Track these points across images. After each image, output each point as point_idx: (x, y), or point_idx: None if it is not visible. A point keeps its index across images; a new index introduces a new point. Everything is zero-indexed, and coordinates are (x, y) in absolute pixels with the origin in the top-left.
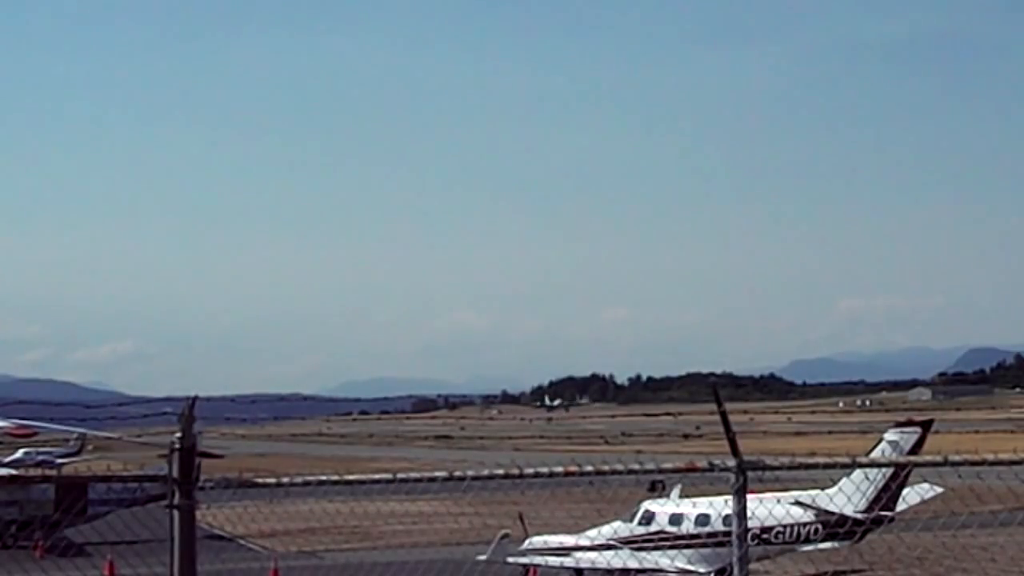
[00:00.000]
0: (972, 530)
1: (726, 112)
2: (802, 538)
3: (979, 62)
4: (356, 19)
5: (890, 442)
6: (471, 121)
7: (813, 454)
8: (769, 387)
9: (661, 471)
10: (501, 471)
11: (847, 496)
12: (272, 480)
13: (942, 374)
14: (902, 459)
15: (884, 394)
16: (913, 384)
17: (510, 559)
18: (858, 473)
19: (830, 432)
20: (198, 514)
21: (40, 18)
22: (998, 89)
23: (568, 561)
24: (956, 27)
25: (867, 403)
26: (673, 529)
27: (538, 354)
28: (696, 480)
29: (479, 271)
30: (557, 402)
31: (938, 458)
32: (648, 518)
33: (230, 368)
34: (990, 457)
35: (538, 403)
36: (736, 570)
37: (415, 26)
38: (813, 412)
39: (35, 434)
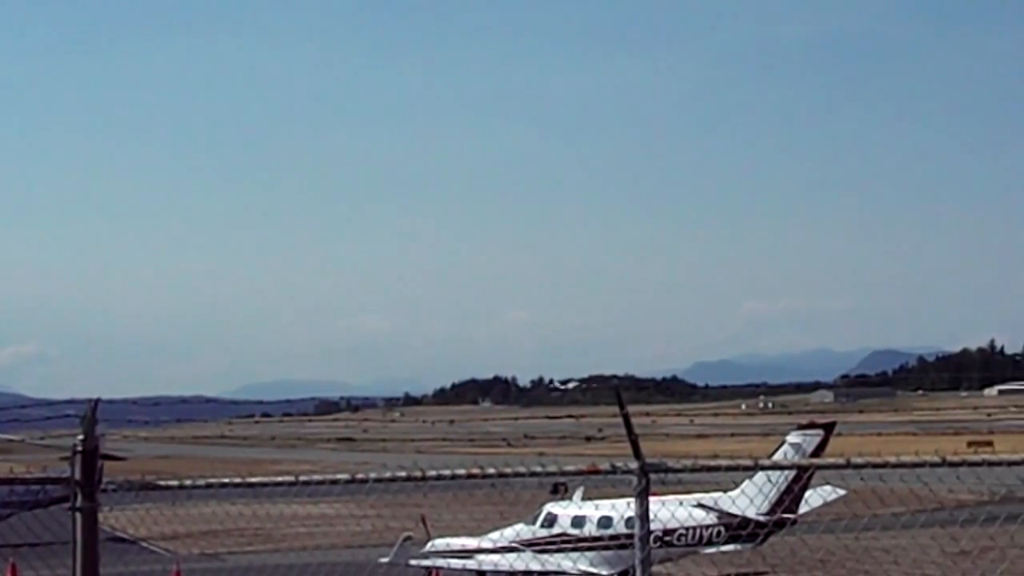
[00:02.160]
0: (874, 532)
1: (627, 115)
2: (704, 540)
3: (884, 63)
4: (241, 22)
5: (792, 444)
6: (372, 122)
7: (715, 456)
8: (671, 389)
9: (563, 473)
10: (403, 474)
11: (749, 498)
12: (175, 482)
13: (844, 376)
14: (804, 461)
15: (786, 396)
16: (815, 386)
17: (412, 561)
18: (760, 475)
19: (732, 434)
20: (100, 516)
21: None
22: (902, 90)
23: (471, 563)
24: (859, 29)
25: (769, 405)
26: (575, 531)
27: (441, 356)
28: (598, 482)
29: (381, 273)
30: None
31: (840, 460)
32: (550, 520)
33: (132, 371)
34: (892, 460)
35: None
36: (638, 572)
37: (302, 28)
38: (715, 414)
39: None
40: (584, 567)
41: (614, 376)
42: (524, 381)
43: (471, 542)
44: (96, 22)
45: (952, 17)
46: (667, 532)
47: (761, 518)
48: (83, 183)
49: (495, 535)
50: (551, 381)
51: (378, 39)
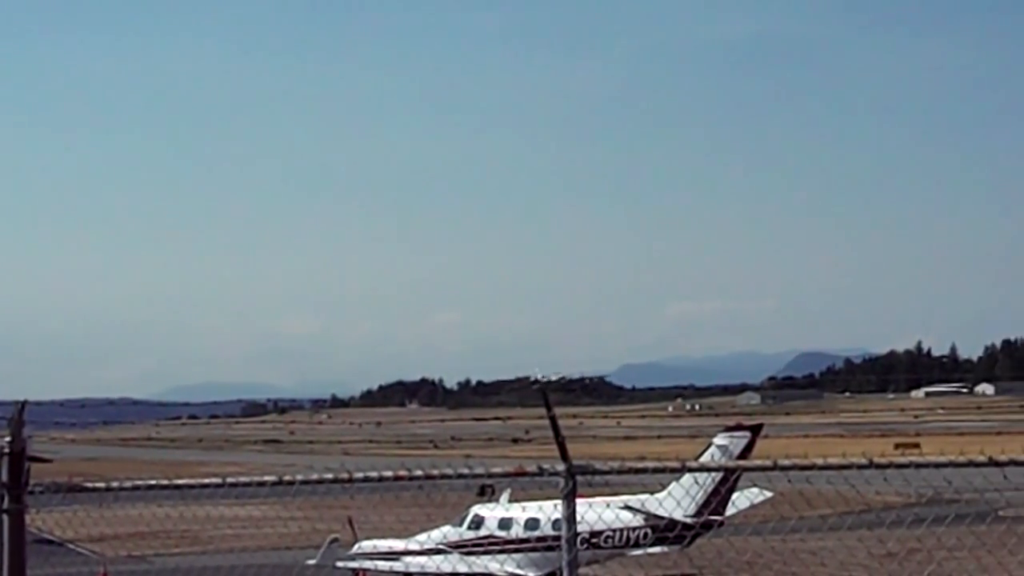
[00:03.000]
0: (801, 534)
1: (557, 115)
2: (631, 542)
3: (812, 64)
4: (187, 19)
5: (719, 446)
6: (300, 123)
7: (643, 458)
8: (598, 391)
9: (491, 475)
10: (331, 475)
11: (676, 500)
12: (102, 484)
13: (771, 378)
14: (731, 463)
15: (714, 398)
16: (742, 388)
17: (340, 563)
18: (687, 477)
19: (659, 436)
20: (28, 518)
21: None
22: (829, 91)
23: (398, 565)
24: (789, 31)
25: (696, 407)
26: (502, 533)
27: (368, 358)
28: (525, 484)
29: (309, 275)
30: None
31: (767, 462)
32: (477, 522)
33: (59, 372)
34: (819, 461)
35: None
36: (565, 574)
37: (241, 28)
38: (643, 416)
39: None
40: (511, 569)
41: (541, 377)
42: (451, 383)
43: (398, 544)
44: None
45: (881, 19)
46: (594, 534)
47: (688, 520)
48: (4, 182)
49: (422, 537)
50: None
51: (316, 40)
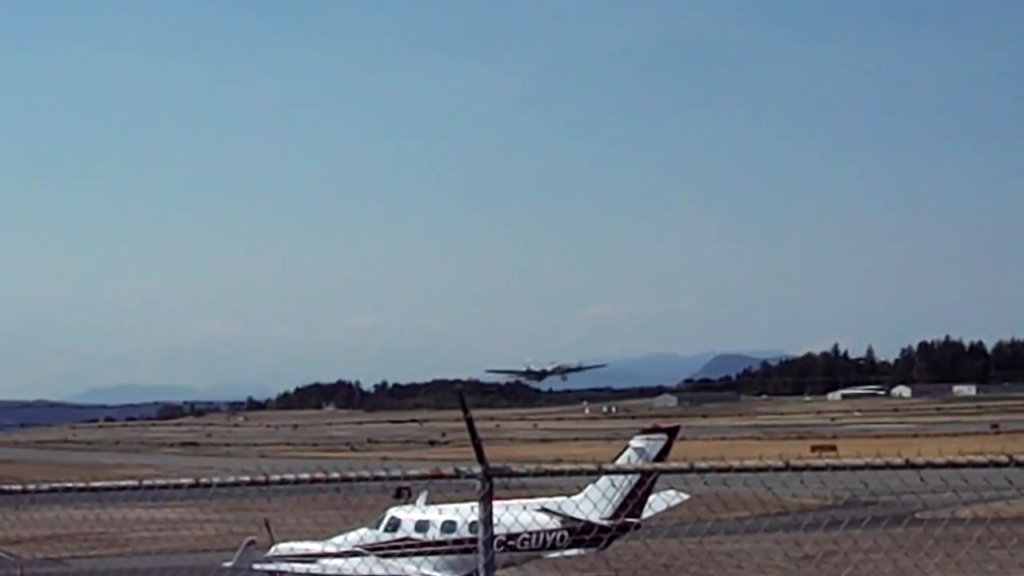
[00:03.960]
0: (718, 537)
1: (468, 119)
2: (548, 545)
3: (719, 67)
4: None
5: (636, 449)
6: (212, 125)
7: (559, 460)
8: (515, 394)
9: (407, 478)
10: (247, 478)
11: (593, 503)
12: (18, 487)
13: (688, 381)
14: (648, 466)
15: (630, 401)
16: (659, 391)
17: (256, 566)
18: (604, 480)
19: (576, 439)
20: None
21: None
22: (739, 93)
23: (314, 568)
24: (693, 34)
25: (613, 410)
26: (419, 536)
27: (285, 361)
28: (442, 487)
29: (225, 277)
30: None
31: (684, 465)
32: (394, 525)
33: None
34: (736, 464)
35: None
36: None
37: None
38: (559, 419)
39: None
40: (428, 571)
41: (458, 380)
42: (368, 385)
43: (315, 546)
44: None
45: (784, 22)
46: (511, 536)
47: (605, 522)
48: None
49: (339, 539)
50: (528, 369)
51: (221, 43)
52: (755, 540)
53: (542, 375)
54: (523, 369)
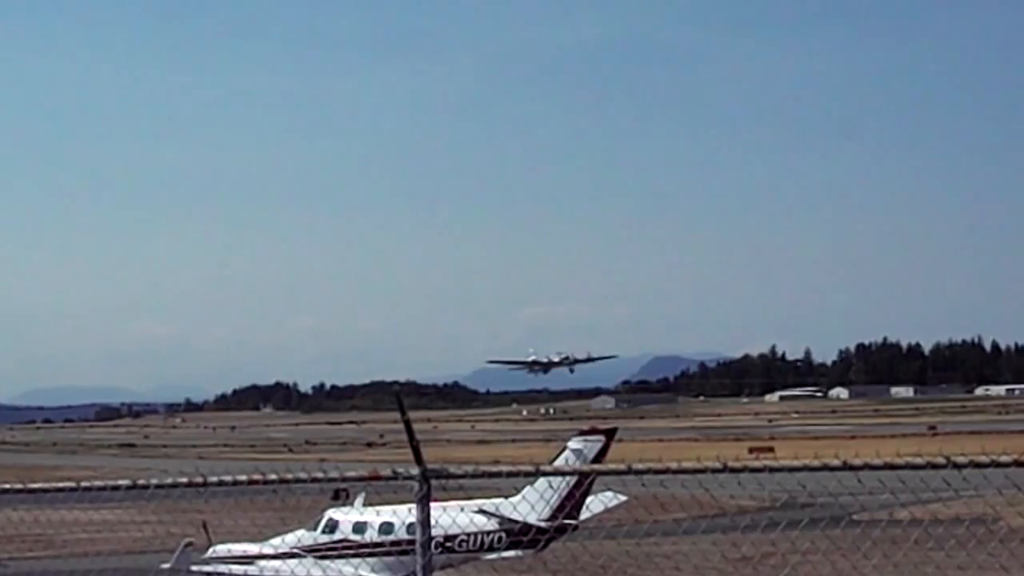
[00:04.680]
0: (656, 538)
1: (408, 119)
2: (486, 546)
3: (658, 69)
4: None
5: (574, 450)
6: (151, 127)
7: (497, 462)
8: (453, 395)
9: (345, 479)
10: (185, 479)
11: (531, 504)
12: None
13: (626, 382)
14: (586, 467)
15: (568, 402)
16: (597, 392)
17: (194, 567)
18: (542, 481)
19: (514, 440)
20: None
21: None
22: (678, 95)
23: (252, 570)
24: (632, 35)
25: (551, 411)
26: (357, 537)
27: (222, 363)
28: (380, 488)
29: (163, 279)
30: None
31: (622, 466)
32: (332, 526)
33: None
34: (674, 465)
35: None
36: None
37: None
38: (497, 420)
39: None
40: (365, 573)
41: (395, 382)
42: (305, 387)
43: (252, 548)
44: None
45: (723, 22)
46: (448, 538)
47: (542, 524)
48: None
49: (276, 541)
50: (533, 360)
51: (154, 45)
52: (693, 542)
53: (548, 367)
54: (528, 360)
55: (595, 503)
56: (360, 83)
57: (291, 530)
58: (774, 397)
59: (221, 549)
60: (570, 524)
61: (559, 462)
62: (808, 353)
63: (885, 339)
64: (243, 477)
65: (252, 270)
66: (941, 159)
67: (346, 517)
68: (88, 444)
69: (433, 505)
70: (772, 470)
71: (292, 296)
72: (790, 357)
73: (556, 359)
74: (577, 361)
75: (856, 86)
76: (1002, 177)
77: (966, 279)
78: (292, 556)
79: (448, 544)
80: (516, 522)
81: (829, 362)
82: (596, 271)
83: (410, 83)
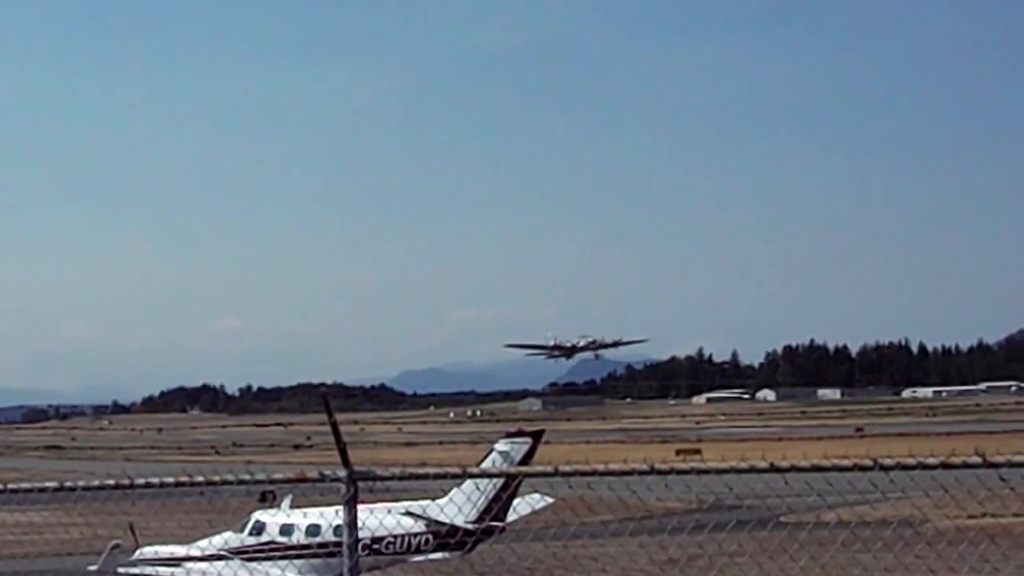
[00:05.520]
0: (583, 540)
1: (335, 121)
2: (413, 548)
3: (586, 71)
4: None
5: (501, 452)
6: (79, 129)
7: (424, 464)
8: (379, 397)
9: (272, 481)
10: (112, 482)
11: (458, 506)
12: None
13: (552, 384)
14: (513, 469)
15: (495, 404)
16: (524, 394)
17: (121, 569)
18: (469, 483)
19: (441, 442)
20: None
21: None
22: (608, 97)
23: (179, 572)
24: (564, 37)
25: (478, 413)
26: (284, 539)
27: (150, 364)
28: (307, 490)
29: (91, 280)
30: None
31: (549, 468)
32: (259, 528)
33: None
34: (601, 467)
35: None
36: None
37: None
38: (424, 422)
39: None
40: (292, 575)
41: (323, 384)
42: (232, 389)
43: (179, 550)
44: None
45: (649, 25)
46: (375, 540)
47: (469, 526)
48: None
49: (203, 543)
50: (553, 344)
51: (84, 46)
52: (620, 544)
53: (572, 351)
54: (548, 344)
55: (522, 505)
56: (289, 86)
57: (218, 532)
58: (701, 399)
59: (148, 551)
60: (497, 526)
61: (486, 464)
62: (735, 355)
63: (812, 341)
64: (170, 479)
65: (180, 272)
66: (868, 160)
67: (273, 519)
68: (15, 446)
69: (360, 507)
70: (699, 472)
71: (219, 298)
72: (717, 359)
73: (581, 343)
74: (604, 346)
75: (777, 86)
76: (929, 180)
77: (893, 281)
78: (219, 558)
79: (375, 546)
80: (443, 524)
81: (756, 364)
82: (523, 273)
83: (338, 86)
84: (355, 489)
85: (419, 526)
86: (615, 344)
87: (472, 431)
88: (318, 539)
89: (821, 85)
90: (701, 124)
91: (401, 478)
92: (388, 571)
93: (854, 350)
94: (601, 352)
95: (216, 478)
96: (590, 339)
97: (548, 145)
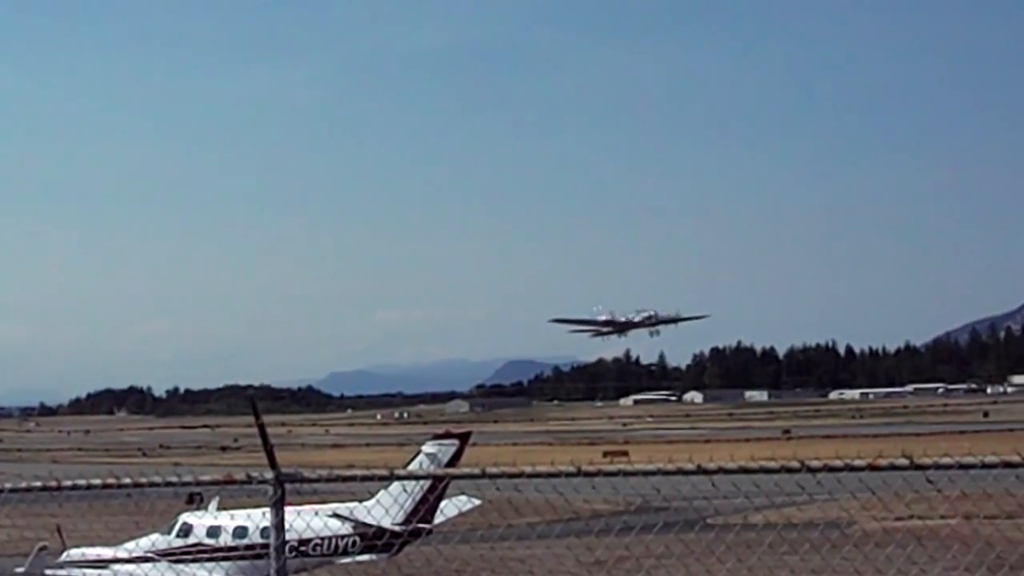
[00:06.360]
0: (510, 542)
1: (261, 123)
2: (340, 550)
3: (516, 73)
4: None
5: (428, 454)
6: (5, 130)
7: (351, 466)
8: (307, 399)
9: (199, 483)
10: (39, 483)
11: (385, 508)
12: None
13: (480, 386)
14: (440, 471)
15: (422, 406)
16: (451, 396)
17: (48, 571)
18: (396, 485)
19: (368, 444)
20: None
21: None
22: (534, 99)
23: (106, 573)
24: (491, 39)
25: (405, 415)
26: (211, 541)
27: (77, 366)
28: (234, 492)
29: (16, 281)
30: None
31: (476, 470)
32: (186, 530)
33: None
34: (528, 469)
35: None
36: None
37: None
38: (351, 424)
39: None
40: None
41: (250, 386)
42: (160, 391)
43: (107, 552)
44: None
45: (579, 27)
46: (302, 542)
47: (396, 528)
48: None
49: (130, 545)
50: (186, 391)
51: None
52: (547, 545)
53: (625, 327)
54: (598, 319)
55: (449, 507)
56: (215, 87)
57: (145, 534)
58: (628, 401)
59: (75, 553)
60: (424, 528)
61: (413, 466)
62: (662, 357)
63: (739, 343)
64: (97, 481)
65: (107, 274)
66: (796, 161)
67: (200, 521)
68: None
69: (287, 509)
70: (626, 474)
71: (146, 300)
72: (644, 361)
73: (637, 318)
74: (662, 321)
75: (707, 87)
76: (856, 184)
77: (820, 283)
78: (146, 560)
79: (302, 548)
80: (370, 526)
81: (683, 366)
82: (449, 275)
83: (265, 87)
84: (282, 491)
85: (346, 528)
86: (675, 320)
87: (399, 433)
88: (245, 541)
89: (745, 85)
90: (627, 123)
91: (328, 480)
92: (315, 573)
93: (781, 352)
94: (658, 328)
95: (143, 480)
96: (647, 313)
97: (474, 146)
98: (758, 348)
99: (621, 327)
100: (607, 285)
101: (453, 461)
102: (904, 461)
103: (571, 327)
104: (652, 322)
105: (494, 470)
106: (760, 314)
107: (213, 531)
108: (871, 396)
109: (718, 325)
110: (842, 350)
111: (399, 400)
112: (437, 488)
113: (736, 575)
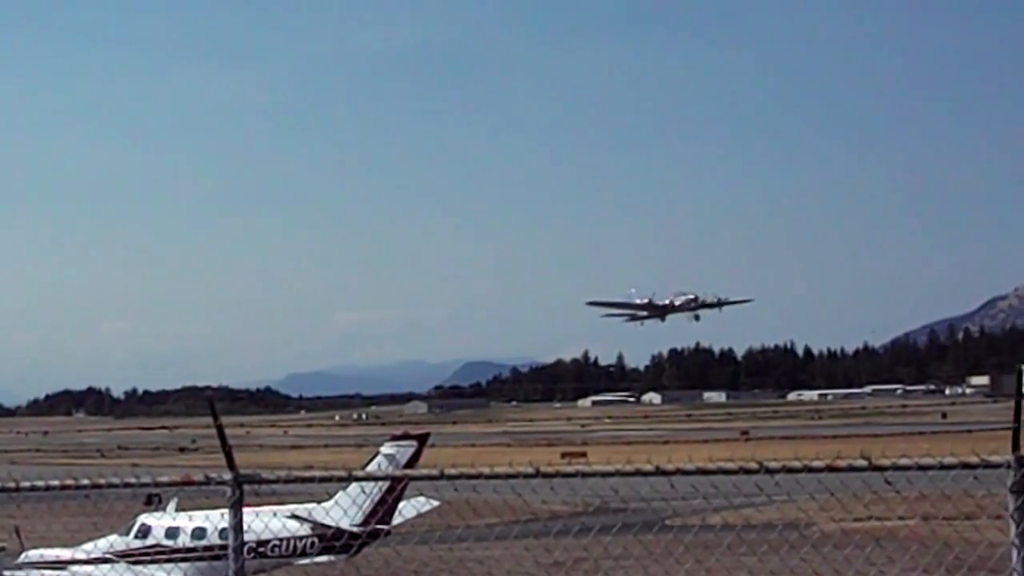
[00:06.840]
0: (468, 543)
1: (217, 123)
2: (299, 551)
3: (485, 72)
4: None
5: (386, 455)
6: None
7: (310, 467)
8: (265, 400)
9: (157, 484)
10: None
11: (344, 509)
12: None
13: (438, 387)
14: (398, 472)
15: (380, 407)
16: (409, 397)
17: (7, 573)
18: (354, 486)
19: (326, 445)
20: None
21: None
22: (493, 98)
23: (64, 575)
24: (449, 38)
25: (363, 416)
26: (170, 543)
27: (34, 367)
28: (193, 493)
29: None
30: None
31: (434, 471)
32: (144, 532)
33: None
34: (486, 470)
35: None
36: None
37: None
38: (309, 425)
39: None
40: None
41: (208, 387)
42: (118, 392)
43: (65, 553)
44: None
45: (539, 27)
46: (261, 543)
47: (355, 529)
48: None
49: (89, 546)
50: (145, 392)
51: None
52: (505, 547)
53: (665, 311)
54: (635, 302)
55: (408, 508)
56: (172, 87)
57: (104, 535)
58: (587, 402)
59: (34, 554)
60: (383, 529)
61: (372, 467)
62: (620, 358)
63: (698, 344)
64: (56, 482)
65: (64, 274)
66: (754, 161)
67: (158, 522)
68: None
69: (246, 510)
70: (584, 475)
71: (104, 301)
72: (603, 362)
73: (678, 301)
74: (706, 305)
75: (671, 88)
76: (813, 184)
77: (778, 285)
78: (105, 561)
79: (261, 549)
80: (329, 527)
81: (642, 367)
82: (408, 276)
83: (222, 88)
84: (240, 492)
85: (304, 529)
86: (718, 304)
87: (358, 434)
88: (204, 542)
89: (708, 84)
90: (590, 123)
91: (287, 481)
92: (273, 574)
93: (740, 353)
94: (701, 313)
95: (102, 481)
96: (689, 296)
97: (434, 146)
98: (716, 349)
99: (661, 311)
100: (569, 285)
101: (411, 462)
102: (862, 462)
103: (605, 311)
104: (694, 306)
105: (452, 471)
106: (718, 315)
107: (172, 532)
108: (829, 397)
109: (676, 327)
110: (800, 351)
111: (357, 401)
112: (395, 489)
113: None
